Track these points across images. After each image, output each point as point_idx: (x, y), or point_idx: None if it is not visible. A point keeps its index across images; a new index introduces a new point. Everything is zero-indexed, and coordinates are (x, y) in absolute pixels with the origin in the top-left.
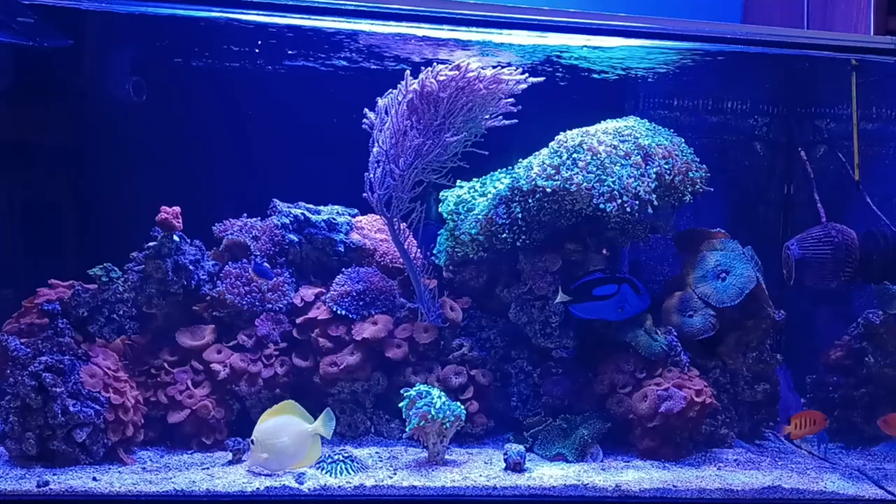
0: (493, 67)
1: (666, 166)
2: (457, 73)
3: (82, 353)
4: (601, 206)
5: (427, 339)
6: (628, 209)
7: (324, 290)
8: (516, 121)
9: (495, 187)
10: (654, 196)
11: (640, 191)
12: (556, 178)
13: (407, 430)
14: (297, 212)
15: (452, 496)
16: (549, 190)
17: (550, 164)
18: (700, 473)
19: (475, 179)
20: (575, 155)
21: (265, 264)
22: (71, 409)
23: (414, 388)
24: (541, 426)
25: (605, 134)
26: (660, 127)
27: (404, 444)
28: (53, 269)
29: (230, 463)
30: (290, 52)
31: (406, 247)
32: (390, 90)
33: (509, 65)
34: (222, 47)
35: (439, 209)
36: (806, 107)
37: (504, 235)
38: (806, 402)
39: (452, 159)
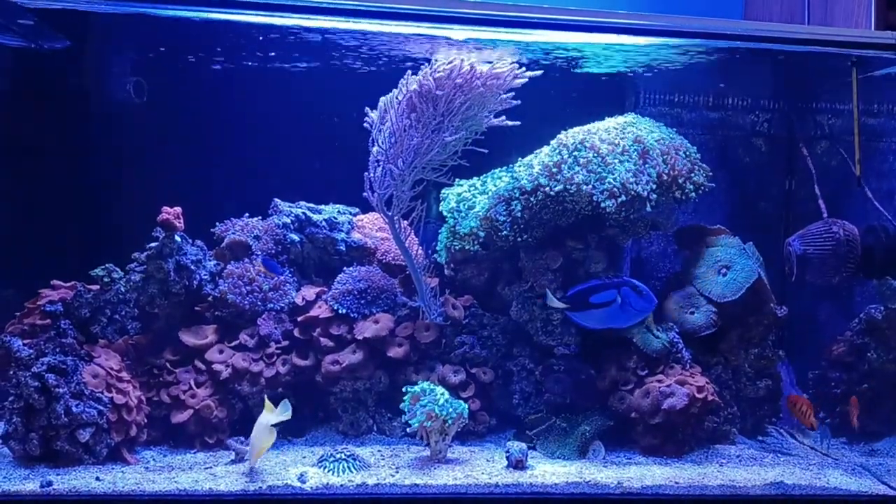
0: (491, 64)
1: (665, 165)
2: (454, 71)
3: (85, 353)
4: (602, 203)
5: (428, 338)
6: (624, 210)
7: (325, 289)
8: (518, 122)
9: (496, 185)
10: (654, 195)
11: (639, 189)
12: (559, 177)
13: (412, 426)
14: (299, 211)
15: (454, 494)
16: (552, 193)
17: (552, 163)
18: (702, 470)
19: (476, 178)
20: (576, 153)
21: (277, 263)
22: (74, 409)
23: (417, 386)
24: (543, 424)
25: (607, 132)
26: (661, 124)
27: (406, 442)
28: (55, 269)
29: (233, 462)
30: (289, 51)
31: (407, 245)
32: (393, 89)
33: (511, 65)
34: (223, 48)
35: (440, 208)
36: (807, 102)
37: (505, 233)
38: (808, 397)
39: (452, 158)
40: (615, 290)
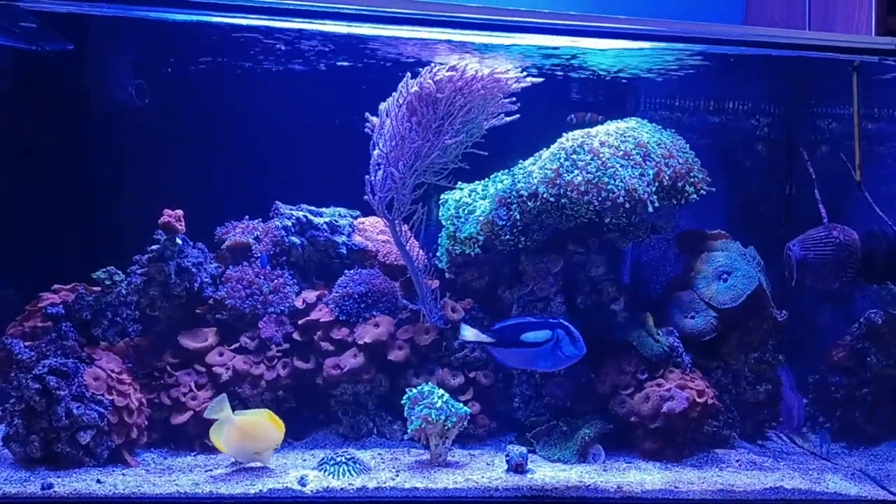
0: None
1: (667, 168)
2: (454, 73)
3: (86, 355)
4: (600, 209)
5: (428, 341)
6: (625, 215)
7: (326, 292)
8: (517, 116)
9: (497, 188)
10: (654, 197)
11: (640, 192)
12: (558, 181)
13: (410, 430)
14: (300, 214)
15: (455, 498)
16: (551, 199)
17: (552, 168)
18: (702, 474)
19: (476, 182)
20: (575, 157)
21: (268, 260)
22: (75, 411)
23: (416, 388)
24: (543, 427)
25: (607, 135)
26: (661, 128)
27: (406, 445)
28: (57, 271)
29: (233, 465)
30: (292, 54)
31: (408, 248)
32: (394, 92)
33: (511, 70)
34: (224, 50)
35: (439, 214)
36: (807, 106)
37: (506, 238)
38: (808, 402)
39: (453, 161)
40: (550, 330)
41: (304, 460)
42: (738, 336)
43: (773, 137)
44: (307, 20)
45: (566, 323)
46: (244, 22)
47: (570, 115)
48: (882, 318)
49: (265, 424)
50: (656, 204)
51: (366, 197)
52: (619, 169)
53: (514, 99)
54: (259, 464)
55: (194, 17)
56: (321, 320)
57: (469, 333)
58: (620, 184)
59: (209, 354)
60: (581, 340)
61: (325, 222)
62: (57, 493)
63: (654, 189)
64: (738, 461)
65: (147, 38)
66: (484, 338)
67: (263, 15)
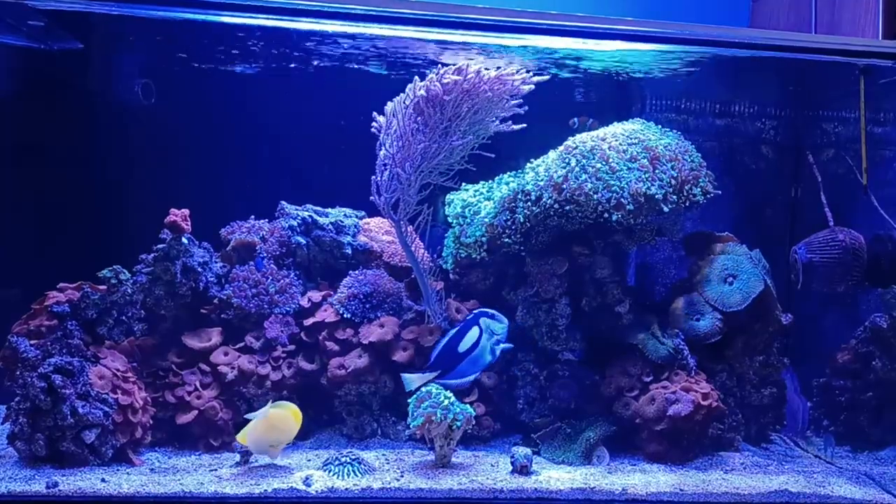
0: (499, 69)
1: (673, 171)
2: (462, 75)
3: (91, 354)
4: (608, 213)
5: (432, 342)
6: (632, 217)
7: (331, 293)
8: (524, 125)
9: (502, 191)
10: (674, 197)
11: (652, 192)
12: (564, 186)
13: (412, 426)
14: (305, 214)
15: (459, 499)
16: (557, 207)
17: (559, 173)
18: (707, 477)
19: (482, 183)
20: (584, 161)
21: (264, 261)
22: (80, 410)
23: (422, 389)
24: (547, 429)
25: (614, 138)
26: (667, 130)
27: (411, 445)
28: (63, 270)
29: (238, 465)
30: (298, 55)
31: (413, 249)
32: (401, 94)
33: (518, 70)
34: (231, 51)
35: (446, 212)
36: (814, 110)
37: (508, 241)
38: (813, 405)
39: (459, 162)
40: (475, 325)
41: (309, 460)
42: (743, 339)
43: (779, 140)
44: (314, 20)
45: (480, 310)
46: (253, 22)
47: (572, 119)
48: (887, 321)
49: (289, 418)
50: (672, 203)
51: (372, 197)
52: (626, 172)
53: (522, 101)
54: (268, 459)
55: (201, 17)
56: (326, 320)
57: (413, 379)
58: (626, 186)
59: (214, 354)
60: (499, 314)
61: (331, 222)
62: (62, 491)
63: (666, 191)
64: (742, 464)
65: (153, 37)
66: (429, 375)
67: (272, 15)
